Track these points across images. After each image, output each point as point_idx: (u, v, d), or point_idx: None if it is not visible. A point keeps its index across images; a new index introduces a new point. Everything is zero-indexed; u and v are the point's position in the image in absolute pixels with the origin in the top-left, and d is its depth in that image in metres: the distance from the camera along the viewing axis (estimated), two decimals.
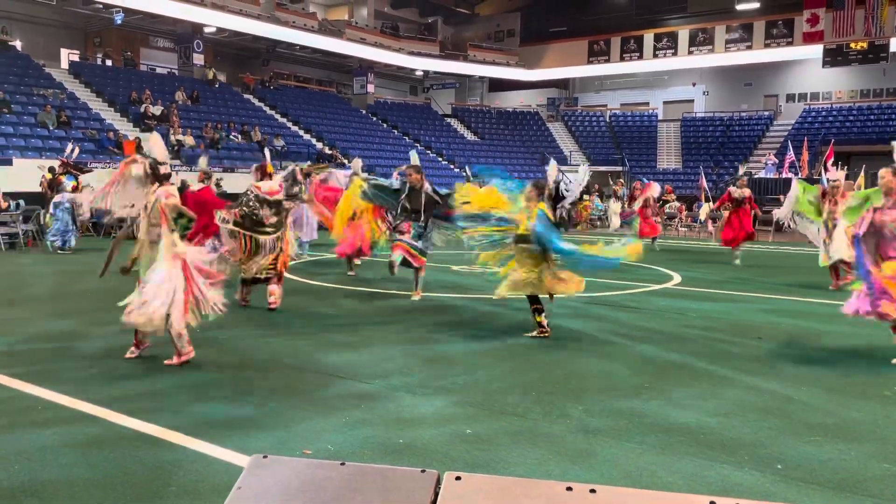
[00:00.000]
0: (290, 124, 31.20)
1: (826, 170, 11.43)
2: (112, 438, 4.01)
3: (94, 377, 5.26)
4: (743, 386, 5.26)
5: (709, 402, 4.86)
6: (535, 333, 6.81)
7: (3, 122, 20.78)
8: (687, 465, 3.77)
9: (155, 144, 6.01)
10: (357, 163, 12.06)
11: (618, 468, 3.72)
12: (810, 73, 35.15)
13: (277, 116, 31.47)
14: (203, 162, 11.36)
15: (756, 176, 26.72)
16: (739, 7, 35.11)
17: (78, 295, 9.01)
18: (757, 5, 34.86)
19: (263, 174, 8.40)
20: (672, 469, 3.72)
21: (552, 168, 7.46)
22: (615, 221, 23.75)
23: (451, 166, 33.58)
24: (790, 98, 36.56)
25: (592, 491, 1.72)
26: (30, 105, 22.35)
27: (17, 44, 27.00)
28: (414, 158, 9.84)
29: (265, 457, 1.99)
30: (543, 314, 6.85)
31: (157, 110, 25.51)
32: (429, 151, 34.40)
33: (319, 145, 29.80)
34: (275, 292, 8.12)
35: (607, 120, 39.95)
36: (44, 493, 3.33)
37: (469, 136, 38.88)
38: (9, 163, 17.90)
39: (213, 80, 29.53)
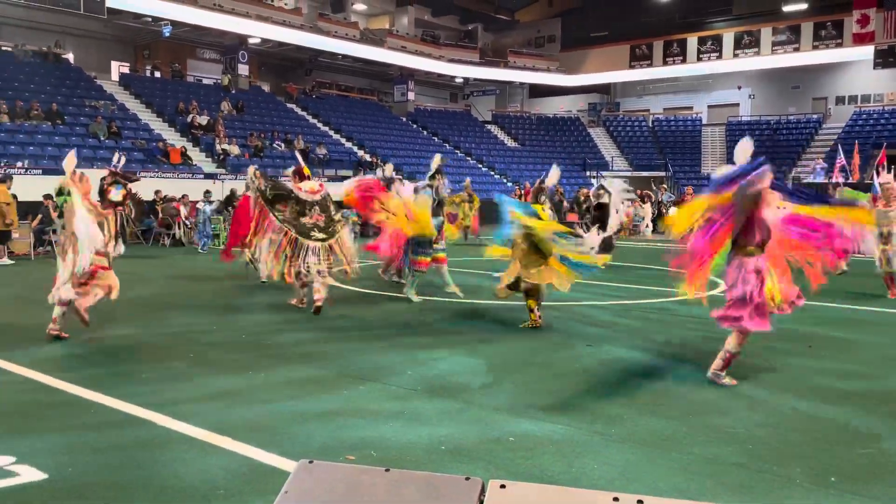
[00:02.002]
0: (332, 132, 31.58)
1: (878, 174, 11.08)
2: (161, 441, 4.09)
3: (144, 381, 5.37)
4: (792, 396, 5.12)
5: (758, 412, 4.75)
6: (528, 323, 7.48)
7: (56, 133, 21.46)
8: (736, 477, 3.69)
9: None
10: (389, 168, 12.10)
11: (665, 478, 3.66)
12: (861, 75, 34.22)
13: (320, 125, 31.87)
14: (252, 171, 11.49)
15: (805, 181, 26.14)
16: (786, 8, 34.40)
17: (129, 302, 9.22)
18: (804, 6, 34.12)
19: (301, 177, 8.48)
20: (720, 480, 3.65)
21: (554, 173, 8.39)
22: (646, 231, 23.48)
23: (492, 173, 33.55)
24: (840, 100, 35.65)
25: (640, 502, 1.70)
26: (81, 116, 23.04)
27: (70, 56, 27.87)
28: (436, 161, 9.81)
29: (311, 462, 2.01)
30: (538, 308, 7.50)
31: (203, 120, 26.08)
32: (469, 158, 34.44)
33: (361, 153, 30.09)
34: (320, 290, 8.05)
35: (650, 125, 39.48)
36: (95, 494, 3.41)
37: (509, 142, 38.82)
38: (61, 173, 18.45)
39: (229, 86, 29.89)
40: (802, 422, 4.56)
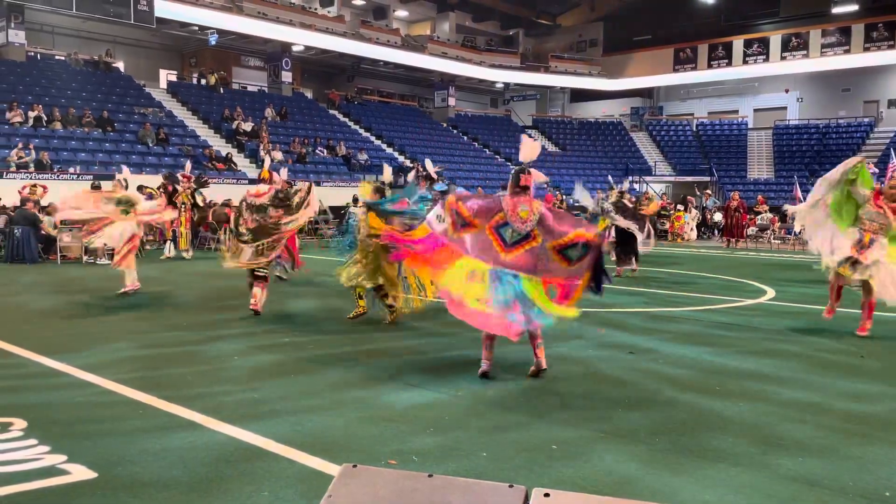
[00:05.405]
0: (373, 138, 31.85)
1: None
2: (207, 444, 4.16)
3: (190, 383, 5.47)
4: (843, 407, 4.98)
5: (808, 422, 4.63)
6: (354, 313, 8.09)
7: (106, 139, 22.06)
8: (785, 488, 3.60)
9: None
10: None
11: (711, 488, 3.58)
12: None
13: (361, 131, 32.17)
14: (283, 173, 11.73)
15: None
16: (836, 10, 33.58)
17: (179, 304, 9.42)
18: (855, 8, 33.26)
19: (260, 179, 8.78)
20: (769, 492, 3.56)
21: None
22: (692, 235, 23.17)
23: None
24: (892, 104, 34.63)
25: None
26: (131, 123, 23.65)
27: (120, 65, 28.65)
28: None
29: (355, 466, 2.02)
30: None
31: (247, 127, 26.52)
32: (509, 163, 34.38)
33: (402, 158, 30.27)
34: (256, 295, 8.42)
35: (694, 129, 38.89)
36: (143, 493, 3.48)
37: (550, 147, 38.61)
38: (112, 178, 18.96)
39: (216, 86, 29.87)
40: (855, 433, 4.42)
